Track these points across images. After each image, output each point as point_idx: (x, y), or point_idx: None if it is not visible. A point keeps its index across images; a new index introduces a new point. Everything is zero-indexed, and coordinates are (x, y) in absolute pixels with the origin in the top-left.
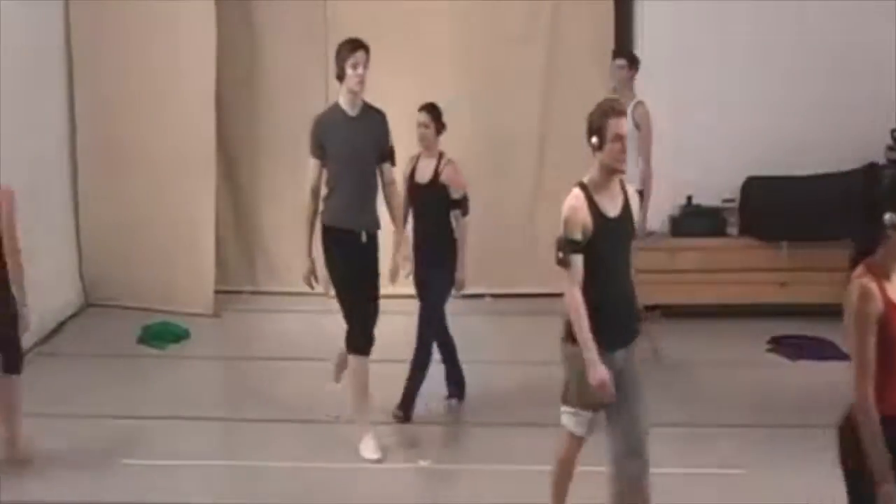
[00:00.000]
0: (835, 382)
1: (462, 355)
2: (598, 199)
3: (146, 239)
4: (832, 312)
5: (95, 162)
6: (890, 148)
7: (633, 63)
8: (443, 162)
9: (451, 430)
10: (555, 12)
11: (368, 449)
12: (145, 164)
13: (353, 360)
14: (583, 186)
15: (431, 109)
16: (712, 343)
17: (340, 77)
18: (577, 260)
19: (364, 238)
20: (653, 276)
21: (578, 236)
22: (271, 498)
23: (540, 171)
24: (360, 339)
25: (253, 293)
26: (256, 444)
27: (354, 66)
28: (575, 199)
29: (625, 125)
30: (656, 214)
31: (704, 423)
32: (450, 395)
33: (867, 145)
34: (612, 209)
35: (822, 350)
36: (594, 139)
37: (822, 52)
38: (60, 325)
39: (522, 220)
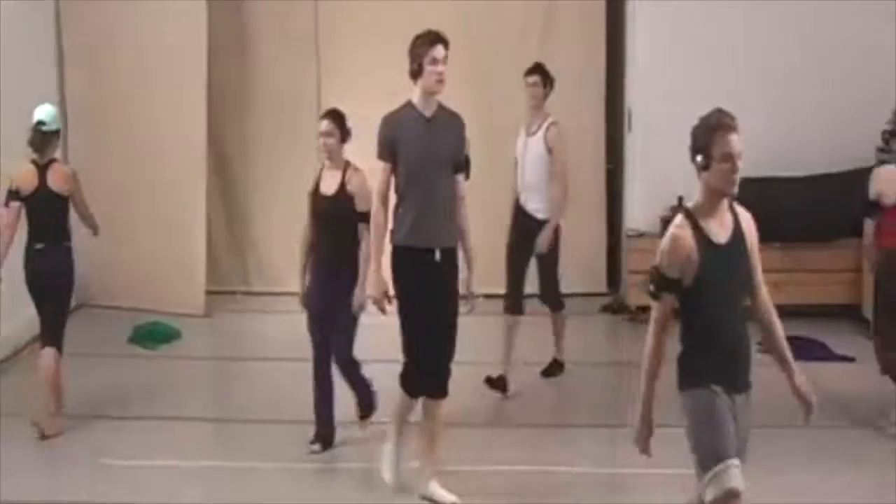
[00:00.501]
0: (825, 383)
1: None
2: (704, 225)
3: (137, 239)
4: (824, 313)
5: (86, 162)
6: (880, 149)
7: (547, 80)
8: (349, 172)
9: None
10: (548, 13)
11: (442, 495)
12: (137, 165)
13: (402, 396)
14: (687, 213)
15: (334, 116)
16: None
17: (415, 74)
18: (668, 298)
19: (438, 256)
20: (644, 276)
21: (675, 273)
22: (260, 498)
23: None
24: (416, 378)
25: (244, 294)
26: (247, 444)
27: (434, 62)
28: (678, 227)
29: (736, 142)
30: (648, 214)
31: None
32: (362, 416)
33: (859, 146)
34: (721, 235)
35: (813, 351)
36: (699, 158)
37: (815, 54)
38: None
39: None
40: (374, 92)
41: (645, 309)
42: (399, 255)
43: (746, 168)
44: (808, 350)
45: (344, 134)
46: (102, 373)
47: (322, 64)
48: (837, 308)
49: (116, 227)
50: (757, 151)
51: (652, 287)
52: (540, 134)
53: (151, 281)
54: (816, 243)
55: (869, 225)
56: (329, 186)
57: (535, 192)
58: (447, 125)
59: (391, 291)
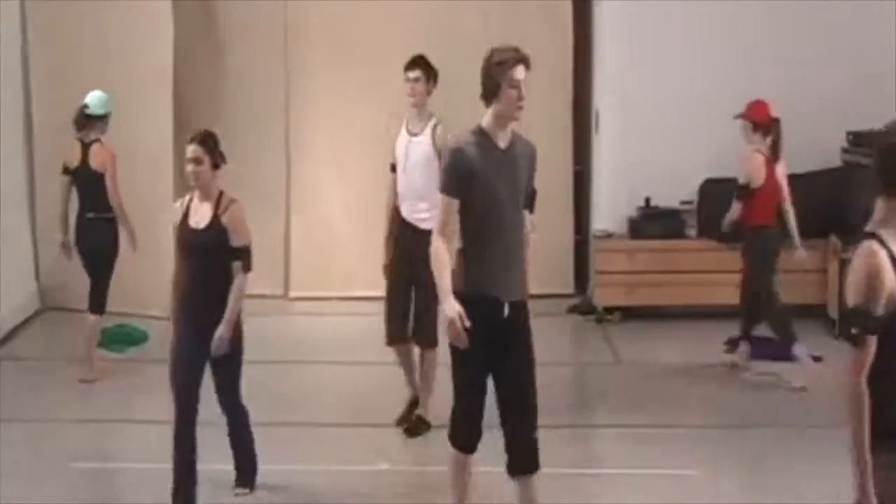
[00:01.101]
0: (791, 383)
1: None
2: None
3: None
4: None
5: (52, 167)
6: (845, 150)
7: (431, 74)
8: (223, 202)
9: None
10: (514, 14)
11: None
12: None
13: (455, 454)
14: (879, 240)
15: (204, 140)
16: (670, 344)
17: (491, 96)
18: (872, 341)
19: (506, 311)
20: (611, 277)
21: (880, 310)
22: (227, 501)
23: None
24: (465, 432)
25: None
26: (215, 446)
27: (514, 85)
28: (872, 255)
29: None
30: (615, 215)
31: (660, 424)
32: (237, 483)
33: (824, 148)
34: None
35: (777, 351)
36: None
37: (778, 56)
38: (16, 329)
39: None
40: (343, 92)
41: (611, 310)
42: (464, 303)
43: (711, 170)
44: (773, 350)
45: (216, 159)
46: (70, 376)
47: (290, 64)
48: (803, 308)
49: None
50: (723, 152)
51: (854, 331)
52: (425, 135)
53: (118, 283)
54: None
55: (737, 206)
56: (200, 218)
57: (422, 200)
58: (522, 156)
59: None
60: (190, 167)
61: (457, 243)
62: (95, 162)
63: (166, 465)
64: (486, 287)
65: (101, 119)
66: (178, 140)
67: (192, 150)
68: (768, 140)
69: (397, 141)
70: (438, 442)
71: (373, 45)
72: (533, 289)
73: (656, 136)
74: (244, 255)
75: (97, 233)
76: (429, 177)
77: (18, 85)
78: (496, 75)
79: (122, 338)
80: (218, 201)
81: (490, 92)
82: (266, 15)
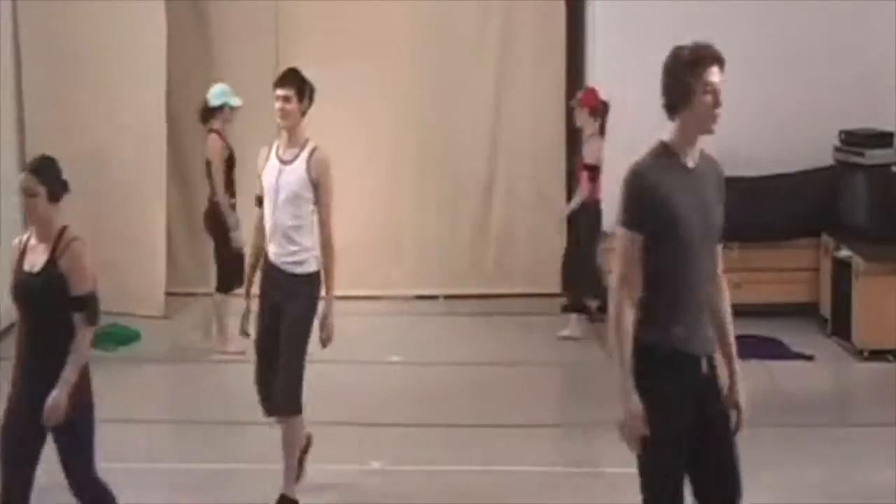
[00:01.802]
0: (783, 382)
1: (416, 356)
2: None
3: (96, 240)
4: (782, 312)
5: None
6: (837, 149)
7: (305, 91)
8: (62, 243)
9: (404, 432)
10: (507, 13)
11: None
12: (95, 168)
13: None
14: None
15: (39, 168)
16: None
17: (680, 104)
18: None
19: (705, 366)
20: (606, 276)
21: None
22: (220, 501)
23: (492, 171)
24: None
25: (205, 295)
26: (207, 446)
27: (710, 90)
28: None
29: None
30: (608, 215)
31: None
32: None
33: (817, 147)
34: None
35: (771, 349)
36: None
37: (772, 54)
38: (7, 329)
39: (474, 221)
40: (335, 90)
41: (604, 309)
42: (649, 359)
43: None
44: (767, 349)
45: (54, 189)
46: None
47: (282, 62)
48: (795, 307)
49: (73, 228)
50: (716, 152)
51: None
52: (299, 162)
53: (110, 282)
54: (773, 242)
55: (588, 186)
56: (35, 260)
57: (292, 241)
58: (712, 178)
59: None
60: (26, 200)
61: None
62: (207, 151)
63: (158, 465)
64: (679, 341)
65: (218, 110)
66: (171, 142)
67: (23, 180)
68: (598, 122)
69: (265, 169)
70: (433, 441)
71: (365, 43)
72: (527, 288)
73: (650, 136)
74: (88, 304)
75: (211, 215)
76: (302, 213)
77: (11, 85)
78: (687, 78)
79: (114, 337)
80: (56, 242)
81: (678, 99)
82: (258, 14)
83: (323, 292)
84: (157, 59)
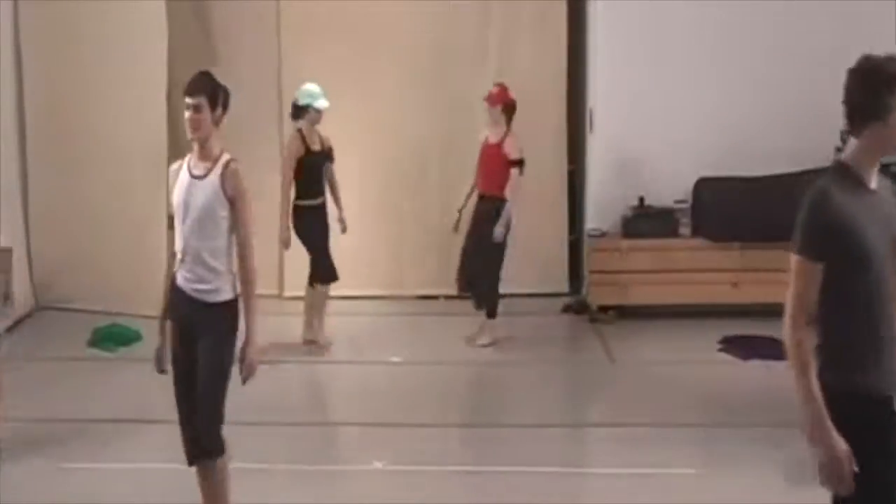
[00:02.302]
0: (785, 382)
1: (417, 356)
2: None
3: (97, 241)
4: (774, 313)
5: (46, 165)
6: (839, 149)
7: (218, 98)
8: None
9: (405, 432)
10: (508, 12)
11: None
12: (96, 166)
13: None
14: None
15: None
16: (664, 343)
17: (867, 120)
18: None
19: None
20: (605, 276)
21: None
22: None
23: None
24: None
25: None
26: None
27: None
28: None
29: None
30: (609, 215)
31: (655, 423)
32: None
33: (817, 146)
34: None
35: (773, 350)
36: None
37: (773, 54)
38: (10, 328)
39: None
40: (337, 88)
41: (605, 309)
42: (844, 408)
43: (705, 169)
44: (768, 349)
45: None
46: (62, 376)
47: (284, 63)
48: None
49: (75, 229)
50: (716, 151)
51: None
52: (213, 177)
53: (111, 283)
54: (774, 242)
55: (519, 179)
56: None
57: (203, 264)
58: (889, 200)
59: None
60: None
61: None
62: (286, 149)
63: (161, 465)
64: (870, 383)
65: (303, 109)
66: (173, 142)
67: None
68: (509, 120)
69: (176, 185)
70: (435, 442)
71: (367, 41)
72: (527, 288)
73: (650, 136)
74: None
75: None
76: (216, 234)
77: (12, 83)
78: (884, 95)
79: (114, 337)
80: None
81: (869, 115)
82: (260, 14)
83: (242, 324)
84: (159, 59)
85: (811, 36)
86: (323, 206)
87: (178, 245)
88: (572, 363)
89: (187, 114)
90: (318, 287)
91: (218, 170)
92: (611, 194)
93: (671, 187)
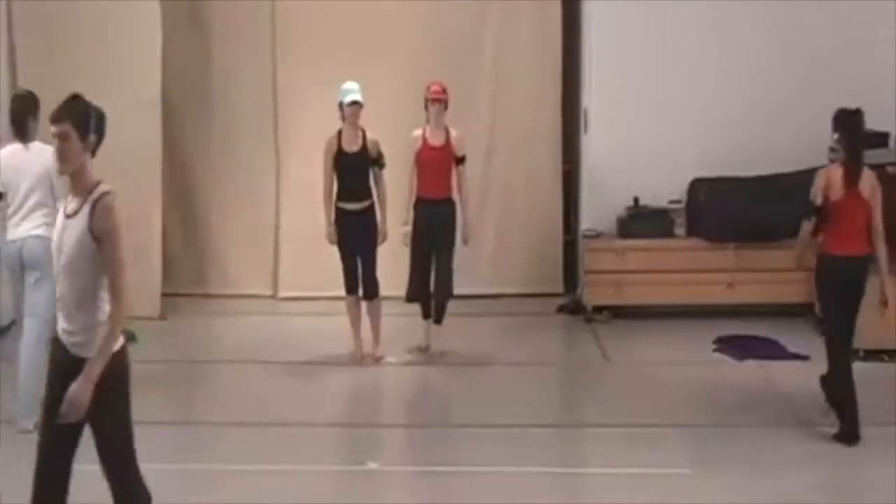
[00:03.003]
0: (780, 382)
1: (415, 356)
2: None
3: None
4: (778, 312)
5: None
6: (832, 149)
7: (87, 126)
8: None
9: (401, 433)
10: (504, 12)
11: None
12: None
13: None
14: None
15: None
16: (659, 343)
17: None
18: None
19: None
20: (600, 276)
21: None
22: (219, 500)
23: (488, 170)
24: None
25: (201, 296)
26: (204, 446)
27: None
28: None
29: None
30: (604, 215)
31: (651, 423)
32: None
33: (811, 146)
34: None
35: (767, 350)
36: None
37: (767, 54)
38: (4, 330)
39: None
40: (333, 89)
41: (600, 309)
42: None
43: (700, 169)
44: (763, 349)
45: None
46: None
47: (279, 65)
48: (791, 307)
49: None
50: (711, 151)
51: None
52: (82, 215)
53: None
54: (770, 242)
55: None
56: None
57: (71, 316)
58: None
59: None
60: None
61: None
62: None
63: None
64: None
65: (339, 106)
66: (167, 142)
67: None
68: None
69: (56, 225)
70: (430, 443)
71: (363, 42)
72: (522, 288)
73: (645, 136)
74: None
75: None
76: (85, 280)
77: (5, 84)
78: None
79: None
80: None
81: None
82: (253, 12)
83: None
84: (153, 59)
85: (807, 36)
86: (361, 212)
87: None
88: (567, 363)
89: (55, 144)
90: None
91: (87, 208)
92: (606, 194)
93: (666, 187)
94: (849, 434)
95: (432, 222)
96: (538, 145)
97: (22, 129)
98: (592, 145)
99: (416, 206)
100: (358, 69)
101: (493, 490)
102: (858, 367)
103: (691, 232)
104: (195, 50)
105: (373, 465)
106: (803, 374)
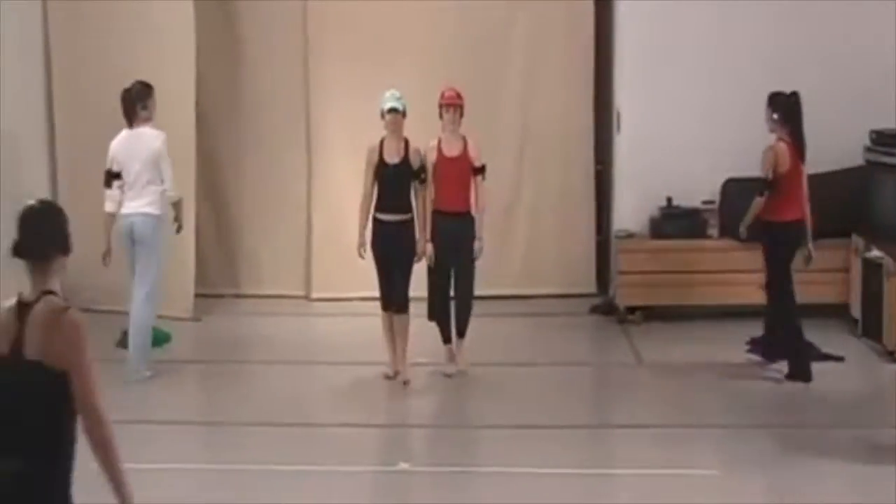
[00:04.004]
0: (813, 383)
1: (441, 358)
2: None
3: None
4: (813, 313)
5: (74, 166)
6: (868, 149)
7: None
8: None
9: (429, 434)
10: (536, 13)
11: None
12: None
13: None
14: None
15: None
16: (692, 344)
17: None
18: None
19: None
20: (633, 277)
21: None
22: (251, 500)
23: (519, 171)
24: None
25: (234, 297)
26: (237, 446)
27: None
28: None
29: None
30: (637, 215)
31: (682, 424)
32: None
33: (846, 146)
34: None
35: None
36: None
37: (803, 54)
38: None
39: (500, 221)
40: (365, 89)
41: (633, 310)
42: None
43: (733, 170)
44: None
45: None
46: None
47: (311, 65)
48: (825, 308)
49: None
50: (744, 152)
51: None
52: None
53: None
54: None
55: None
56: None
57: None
58: None
59: None
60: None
61: None
62: None
63: (191, 465)
64: None
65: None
66: (200, 143)
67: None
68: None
69: None
70: (462, 443)
71: (394, 41)
72: (554, 289)
73: (678, 136)
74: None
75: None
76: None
77: (41, 89)
78: None
79: None
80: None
81: None
82: (285, 12)
83: None
84: (187, 59)
85: (839, 35)
86: (399, 224)
87: None
88: (600, 364)
89: None
90: (382, 314)
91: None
92: (638, 195)
93: (699, 188)
94: (803, 372)
95: (452, 238)
96: (570, 145)
97: (131, 117)
98: (625, 145)
99: (433, 220)
100: (389, 67)
101: (523, 490)
102: (888, 369)
103: (724, 232)
104: (228, 50)
105: (404, 466)
106: (837, 376)
